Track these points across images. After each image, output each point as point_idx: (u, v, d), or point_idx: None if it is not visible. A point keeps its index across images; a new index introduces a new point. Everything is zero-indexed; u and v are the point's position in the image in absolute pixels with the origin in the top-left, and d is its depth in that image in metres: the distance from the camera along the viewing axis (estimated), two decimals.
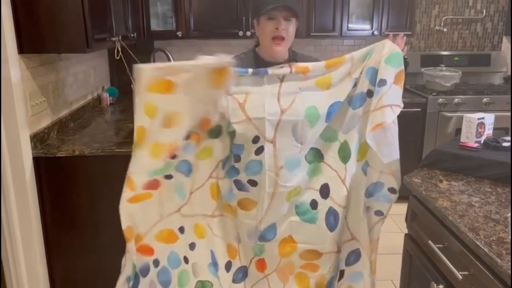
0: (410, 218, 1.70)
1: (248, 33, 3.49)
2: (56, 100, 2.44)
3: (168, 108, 1.49)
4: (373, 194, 1.72)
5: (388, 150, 1.60)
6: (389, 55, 1.60)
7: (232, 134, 1.66)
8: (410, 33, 3.68)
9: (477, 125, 1.85)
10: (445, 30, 4.03)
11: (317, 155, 1.72)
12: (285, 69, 1.64)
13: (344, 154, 1.72)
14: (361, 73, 1.65)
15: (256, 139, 1.63)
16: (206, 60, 1.48)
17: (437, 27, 4.04)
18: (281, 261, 1.77)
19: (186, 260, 1.76)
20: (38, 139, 2.14)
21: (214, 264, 1.78)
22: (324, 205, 1.72)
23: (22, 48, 2.00)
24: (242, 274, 1.81)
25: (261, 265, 1.80)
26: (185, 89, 1.48)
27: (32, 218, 2.07)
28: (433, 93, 3.57)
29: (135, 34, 3.04)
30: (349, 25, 3.63)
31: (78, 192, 2.16)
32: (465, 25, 4.06)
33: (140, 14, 3.37)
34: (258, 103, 1.61)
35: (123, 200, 1.56)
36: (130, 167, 1.53)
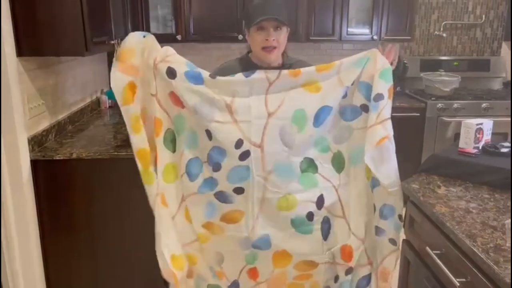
0: (408, 224, 1.70)
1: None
2: (55, 103, 2.43)
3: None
4: (387, 217, 1.69)
5: (386, 169, 1.62)
6: (382, 70, 1.62)
7: (207, 132, 1.62)
8: (409, 37, 3.70)
9: (476, 131, 1.85)
10: (444, 35, 4.03)
11: (311, 165, 1.70)
12: (275, 71, 1.64)
13: (338, 164, 1.72)
14: (352, 84, 1.66)
15: (239, 143, 1.61)
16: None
17: (436, 32, 4.04)
18: (274, 271, 1.74)
19: None
20: (36, 142, 2.14)
21: None
22: (319, 216, 1.71)
23: (21, 51, 2.00)
24: (234, 287, 1.80)
25: (253, 273, 1.76)
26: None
27: (29, 221, 2.07)
28: (432, 98, 3.57)
29: None
30: (349, 30, 3.64)
31: (76, 195, 2.15)
32: (464, 30, 4.07)
33: (140, 17, 3.37)
34: (244, 105, 1.61)
35: None
36: None
